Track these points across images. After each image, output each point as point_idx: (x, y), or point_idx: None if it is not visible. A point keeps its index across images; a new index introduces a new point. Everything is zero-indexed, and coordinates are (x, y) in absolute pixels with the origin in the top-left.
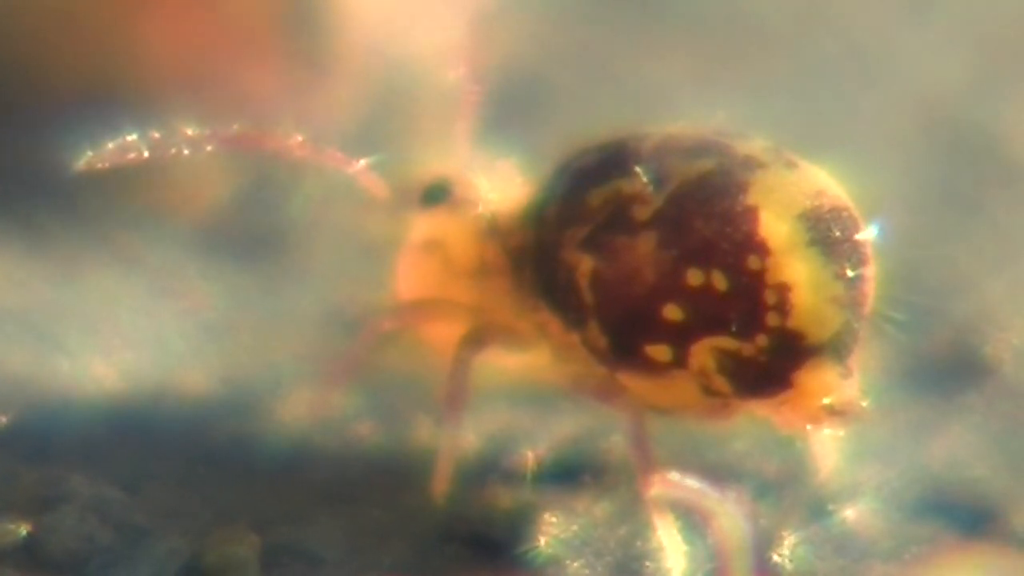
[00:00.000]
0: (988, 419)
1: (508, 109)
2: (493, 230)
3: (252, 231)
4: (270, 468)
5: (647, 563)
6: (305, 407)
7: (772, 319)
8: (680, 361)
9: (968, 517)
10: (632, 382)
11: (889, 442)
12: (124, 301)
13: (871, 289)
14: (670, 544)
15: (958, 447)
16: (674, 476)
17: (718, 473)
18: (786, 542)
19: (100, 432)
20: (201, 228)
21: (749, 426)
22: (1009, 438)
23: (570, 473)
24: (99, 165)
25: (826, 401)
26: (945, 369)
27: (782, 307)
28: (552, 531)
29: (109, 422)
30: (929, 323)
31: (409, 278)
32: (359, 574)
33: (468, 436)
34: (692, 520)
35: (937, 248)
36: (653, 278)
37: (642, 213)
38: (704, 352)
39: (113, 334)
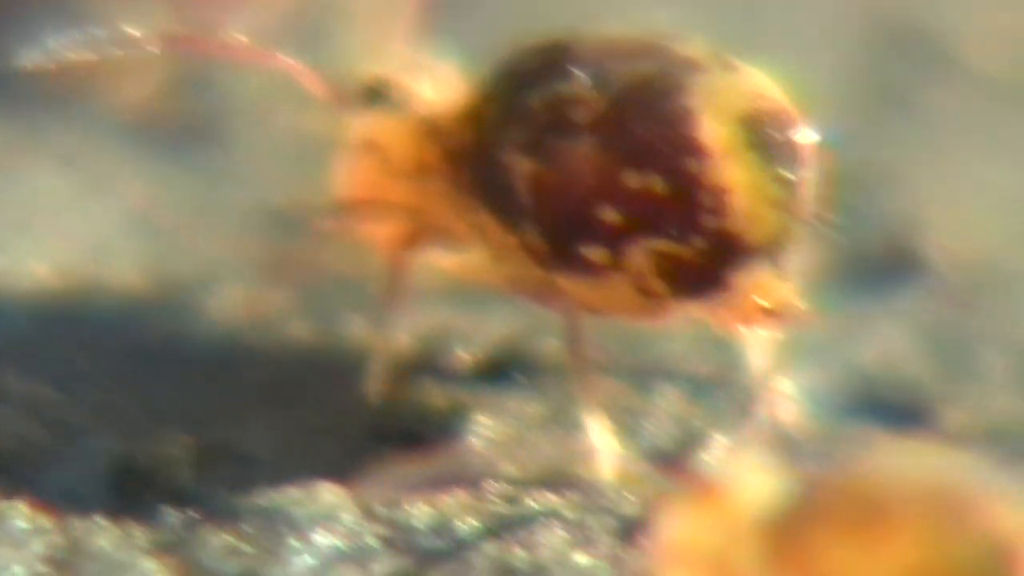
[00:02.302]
0: (919, 318)
1: (447, 9)
2: (432, 132)
3: (186, 125)
4: (203, 367)
5: (580, 464)
6: (239, 305)
7: (709, 221)
8: (617, 263)
9: (899, 414)
10: (569, 284)
11: (822, 342)
12: (57, 197)
13: (808, 191)
14: (602, 445)
15: (890, 346)
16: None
17: (652, 374)
18: (717, 443)
19: (33, 330)
20: (134, 122)
21: (684, 327)
22: (939, 336)
23: (504, 373)
24: (44, 64)
25: (762, 302)
26: (878, 269)
27: (720, 209)
28: (484, 431)
29: (42, 320)
30: (864, 224)
31: (348, 178)
32: (291, 474)
33: (402, 336)
34: (622, 422)
35: (873, 148)
36: (592, 181)
37: (582, 116)
38: (641, 254)
39: (46, 230)
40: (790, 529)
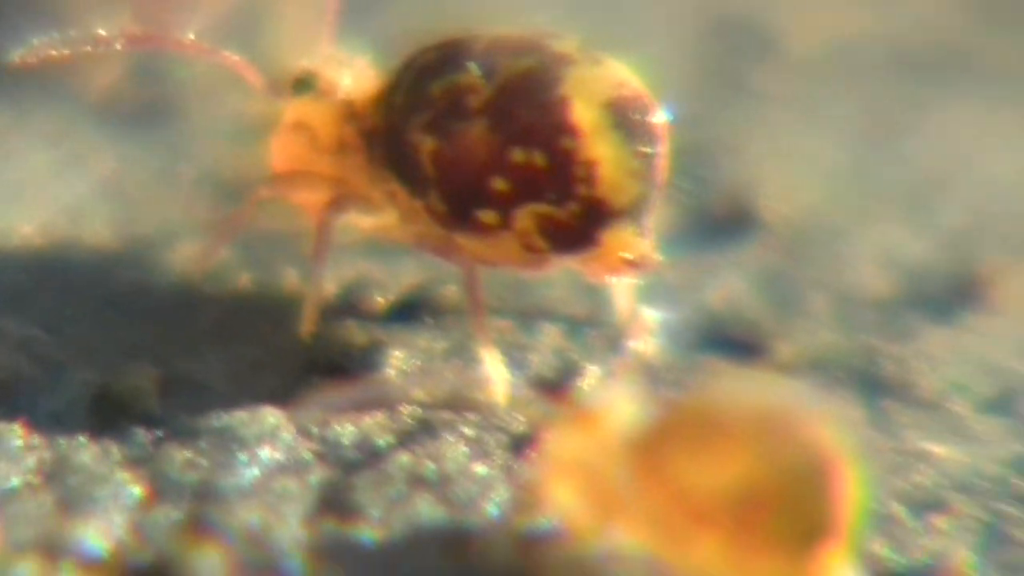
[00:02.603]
0: (757, 267)
1: (360, 12)
2: (351, 115)
3: (147, 108)
4: (165, 311)
5: (478, 390)
6: (193, 259)
7: (582, 189)
8: (506, 224)
9: (740, 348)
10: (466, 241)
11: (676, 288)
12: (41, 170)
13: (663, 163)
14: (495, 374)
15: (732, 291)
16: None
17: (535, 315)
18: (591, 373)
19: (25, 282)
20: (104, 105)
21: (562, 276)
22: (774, 282)
23: (413, 315)
24: (30, 59)
25: (625, 256)
26: (720, 226)
27: (590, 179)
28: (398, 364)
29: (32, 273)
30: (707, 188)
31: (281, 154)
32: (239, 400)
33: (329, 284)
34: (511, 356)
35: (713, 125)
36: (484, 156)
37: (475, 102)
38: (525, 216)
39: (32, 197)
40: (650, 446)
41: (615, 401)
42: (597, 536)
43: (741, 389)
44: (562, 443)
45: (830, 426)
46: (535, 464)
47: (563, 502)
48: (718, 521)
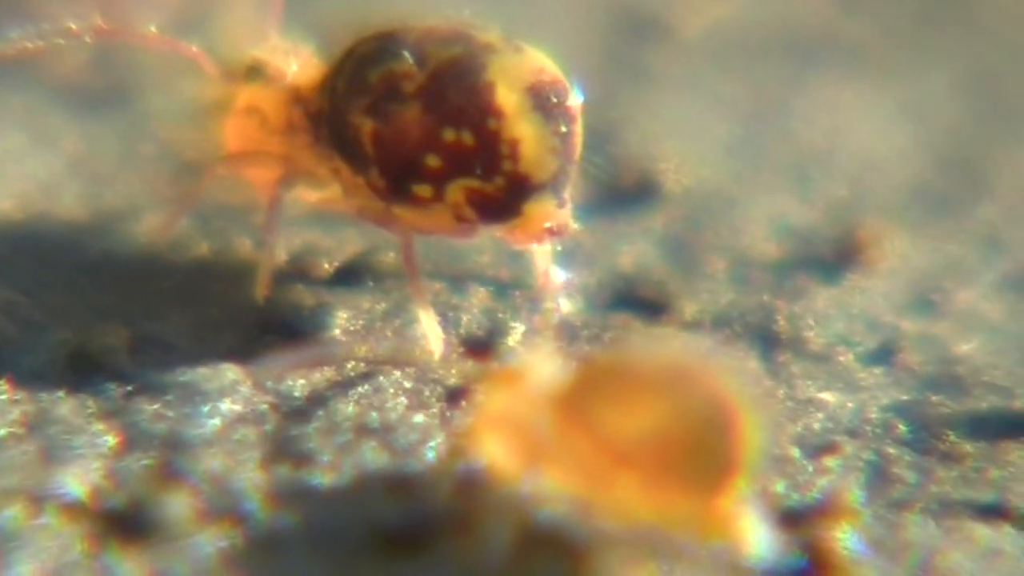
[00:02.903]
0: (662, 234)
1: (299, 4)
2: (298, 99)
3: (112, 92)
4: (132, 277)
5: (415, 347)
6: (157, 230)
7: (506, 165)
8: (439, 197)
9: (649, 308)
10: (403, 212)
11: (590, 253)
12: (16, 150)
13: (578, 140)
14: (431, 332)
15: (640, 255)
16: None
17: (466, 278)
18: (516, 331)
19: (4, 252)
20: (72, 89)
21: (489, 243)
22: (678, 247)
23: (357, 279)
24: (7, 51)
25: (546, 224)
26: (629, 197)
27: (513, 156)
28: (343, 323)
29: (10, 244)
30: (617, 164)
31: (235, 135)
32: (201, 357)
33: (280, 252)
34: (445, 315)
35: (620, 106)
36: (418, 136)
37: (409, 87)
38: (456, 190)
39: (9, 175)
40: (571, 398)
41: (536, 357)
42: (524, 480)
43: (651, 346)
44: (490, 397)
45: (729, 377)
46: (467, 417)
47: (492, 451)
48: (635, 464)
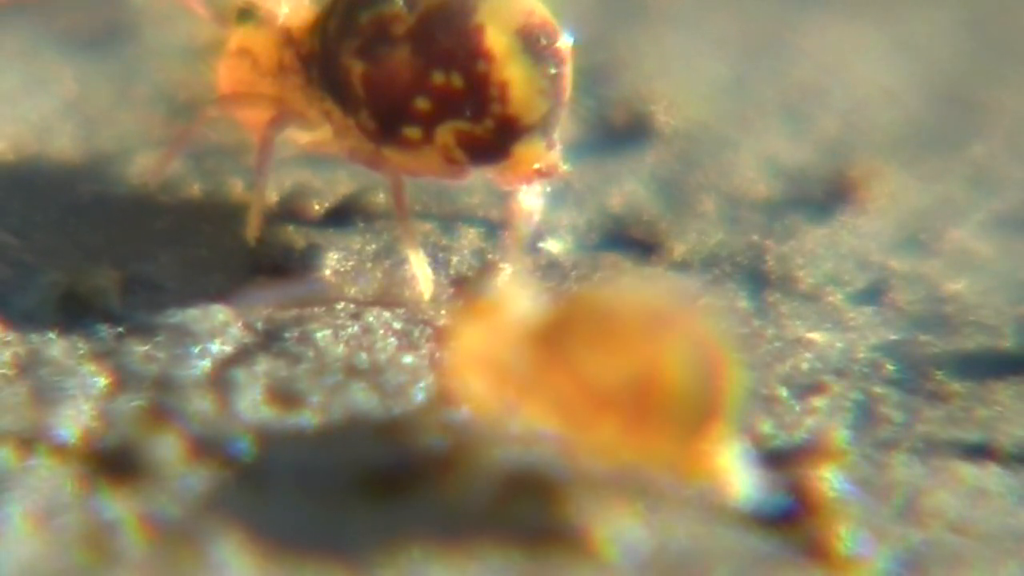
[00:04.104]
0: (653, 173)
1: None
2: (289, 41)
3: (106, 33)
4: (124, 218)
5: (405, 287)
6: (150, 170)
7: (496, 107)
8: (428, 139)
9: (639, 248)
10: (393, 154)
11: (580, 193)
12: (9, 92)
13: (567, 82)
14: (421, 274)
15: (631, 195)
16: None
17: (456, 219)
18: (506, 271)
19: None
20: (66, 30)
21: (479, 184)
22: (668, 187)
23: (347, 220)
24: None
25: (535, 166)
26: (620, 137)
27: (502, 98)
28: (333, 264)
29: (3, 184)
30: (608, 103)
31: (227, 77)
32: (191, 298)
33: (271, 193)
34: (435, 256)
35: (611, 46)
36: (408, 78)
37: (399, 30)
38: (446, 132)
39: (3, 117)
40: (551, 338)
41: (512, 291)
42: (505, 420)
43: (633, 286)
44: (465, 332)
45: (712, 318)
46: (446, 356)
47: (469, 387)
48: (616, 406)
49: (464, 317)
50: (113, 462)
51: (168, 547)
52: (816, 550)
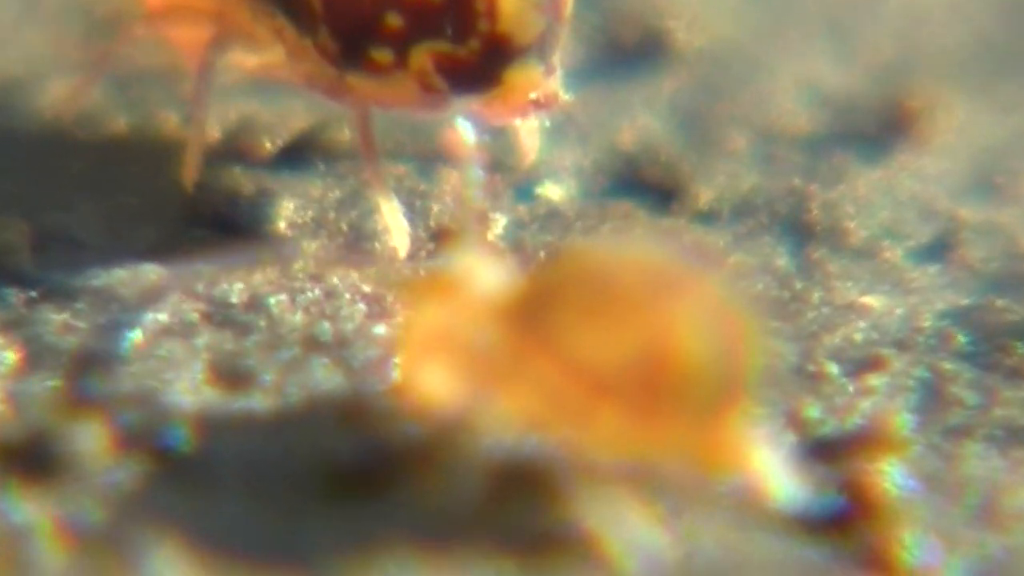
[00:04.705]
0: (672, 103)
1: None
2: None
3: None
4: (34, 160)
5: (375, 242)
6: (64, 101)
7: (483, 25)
8: (401, 63)
9: (657, 194)
10: (358, 82)
11: (586, 128)
12: None
13: None
14: (394, 225)
15: (646, 130)
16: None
17: (435, 159)
18: (499, 223)
19: None
20: None
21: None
22: (691, 120)
23: (304, 161)
24: None
25: (531, 95)
26: (632, 60)
27: (491, 14)
28: (289, 214)
29: None
30: (615, 19)
31: None
32: (117, 255)
33: (212, 128)
34: (411, 204)
35: None
36: None
37: None
38: (423, 55)
39: None
40: (529, 312)
41: (473, 258)
42: (476, 415)
43: (642, 241)
44: (418, 314)
45: (735, 280)
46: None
47: (426, 380)
48: (615, 391)
49: (409, 290)
50: (23, 455)
51: (90, 557)
52: (873, 559)
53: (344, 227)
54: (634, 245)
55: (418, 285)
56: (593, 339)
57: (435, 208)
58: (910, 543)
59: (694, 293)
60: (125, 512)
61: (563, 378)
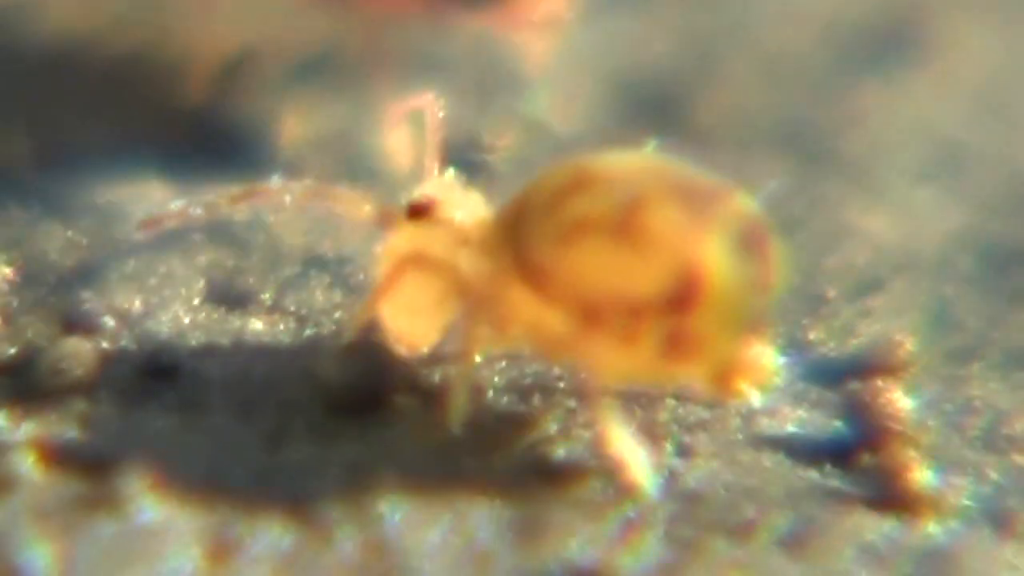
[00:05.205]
0: (671, 23)
1: None
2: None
3: None
4: (41, 72)
5: (380, 161)
6: (77, 14)
7: None
8: None
9: (658, 114)
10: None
11: (587, 51)
12: None
13: None
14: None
15: (646, 52)
16: None
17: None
18: (497, 148)
19: None
20: None
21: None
22: (691, 39)
23: (313, 76)
24: None
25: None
26: None
27: None
28: (296, 131)
29: None
30: None
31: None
32: (123, 174)
33: (225, 41)
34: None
35: None
36: None
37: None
38: None
39: None
40: (507, 238)
41: (446, 185)
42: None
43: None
44: (393, 244)
45: (751, 199)
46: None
47: (400, 314)
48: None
49: (383, 221)
50: (12, 372)
51: (72, 476)
52: (881, 484)
53: (351, 145)
54: (649, 159)
55: (391, 213)
56: (621, 259)
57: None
58: (916, 467)
59: (726, 209)
60: (107, 434)
61: (545, 309)
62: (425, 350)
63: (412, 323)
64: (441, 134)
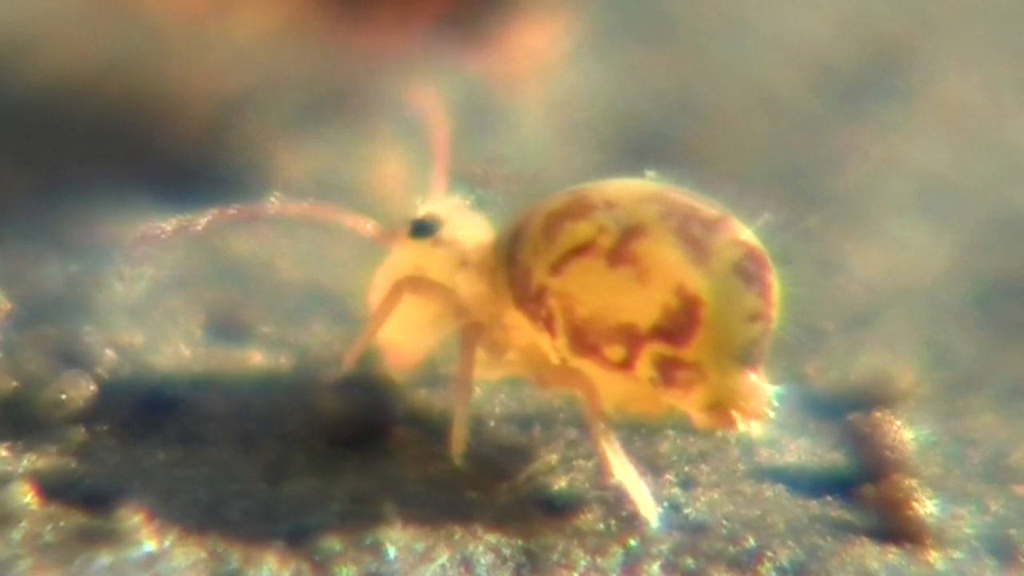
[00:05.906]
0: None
1: None
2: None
3: None
4: (43, 115)
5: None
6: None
7: None
8: None
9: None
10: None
11: (574, 79)
12: None
13: None
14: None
15: (633, 80)
16: None
17: None
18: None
19: None
20: None
21: None
22: (679, 65)
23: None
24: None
25: None
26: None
27: None
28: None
29: None
30: None
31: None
32: (122, 208)
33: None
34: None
35: None
36: None
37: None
38: None
39: None
40: (509, 261)
41: (444, 206)
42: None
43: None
44: (388, 267)
45: (746, 228)
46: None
47: (394, 332)
48: (647, 337)
49: (379, 240)
50: (8, 405)
51: (68, 509)
52: (886, 516)
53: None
54: (649, 185)
55: (387, 235)
56: (618, 286)
57: None
58: (920, 499)
59: (725, 238)
60: (107, 463)
61: (579, 326)
62: (412, 368)
63: (404, 341)
64: (447, 153)
